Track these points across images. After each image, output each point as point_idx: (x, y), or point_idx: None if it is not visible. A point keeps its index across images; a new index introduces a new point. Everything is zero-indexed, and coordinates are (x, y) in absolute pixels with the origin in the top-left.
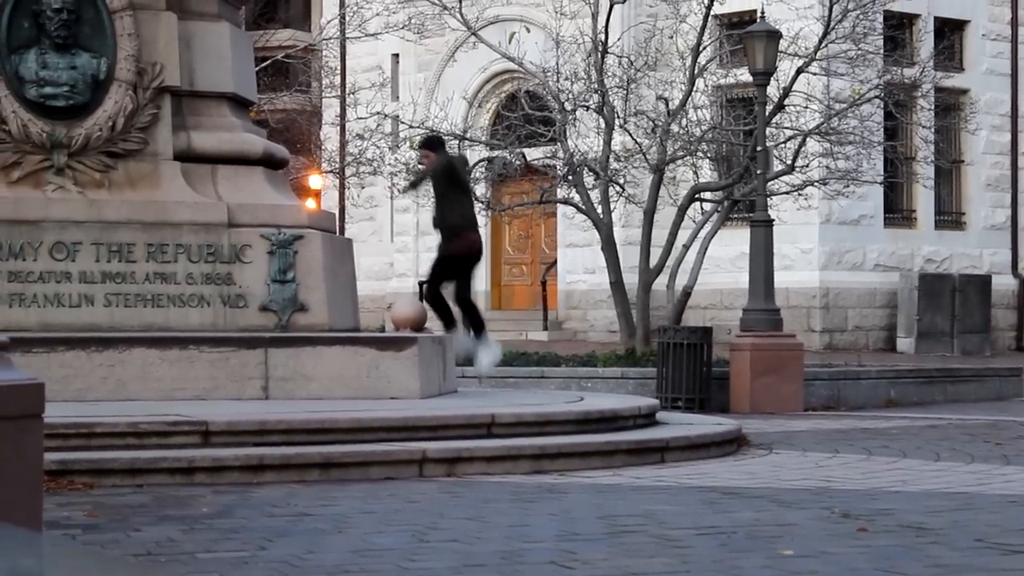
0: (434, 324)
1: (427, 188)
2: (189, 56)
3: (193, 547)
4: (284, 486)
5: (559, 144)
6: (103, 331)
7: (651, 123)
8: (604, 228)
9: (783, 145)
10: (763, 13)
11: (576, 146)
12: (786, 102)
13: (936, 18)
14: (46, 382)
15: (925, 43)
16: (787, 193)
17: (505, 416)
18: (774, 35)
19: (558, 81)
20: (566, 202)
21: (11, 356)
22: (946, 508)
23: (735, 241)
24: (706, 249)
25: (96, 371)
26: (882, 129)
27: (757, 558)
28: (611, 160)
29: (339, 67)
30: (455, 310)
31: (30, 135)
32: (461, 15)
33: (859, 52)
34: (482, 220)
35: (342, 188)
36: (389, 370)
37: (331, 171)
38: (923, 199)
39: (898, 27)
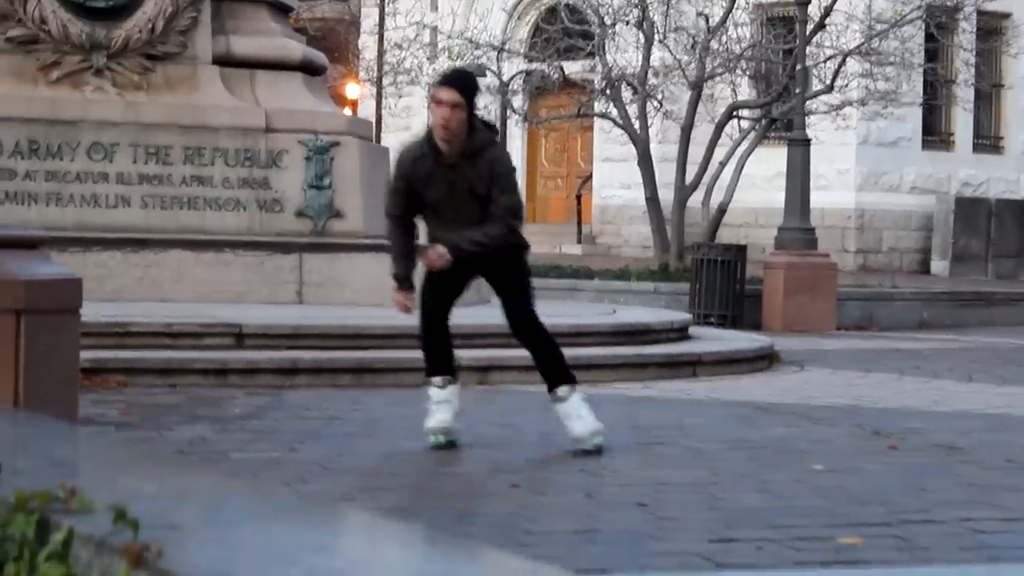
0: None
1: None
2: None
3: (226, 447)
4: (316, 390)
5: (598, 58)
6: (139, 232)
7: (691, 39)
8: (641, 144)
9: (823, 65)
10: None
11: (615, 61)
12: (827, 21)
13: None
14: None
15: None
16: (825, 113)
17: None
18: None
19: None
20: (603, 116)
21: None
22: (977, 429)
23: (772, 160)
24: (742, 167)
25: (131, 271)
26: (923, 51)
27: (787, 472)
28: (649, 76)
29: None
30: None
31: (69, 35)
32: None
33: None
34: (519, 132)
35: (379, 97)
36: (422, 278)
37: (368, 80)
38: (962, 122)
39: None
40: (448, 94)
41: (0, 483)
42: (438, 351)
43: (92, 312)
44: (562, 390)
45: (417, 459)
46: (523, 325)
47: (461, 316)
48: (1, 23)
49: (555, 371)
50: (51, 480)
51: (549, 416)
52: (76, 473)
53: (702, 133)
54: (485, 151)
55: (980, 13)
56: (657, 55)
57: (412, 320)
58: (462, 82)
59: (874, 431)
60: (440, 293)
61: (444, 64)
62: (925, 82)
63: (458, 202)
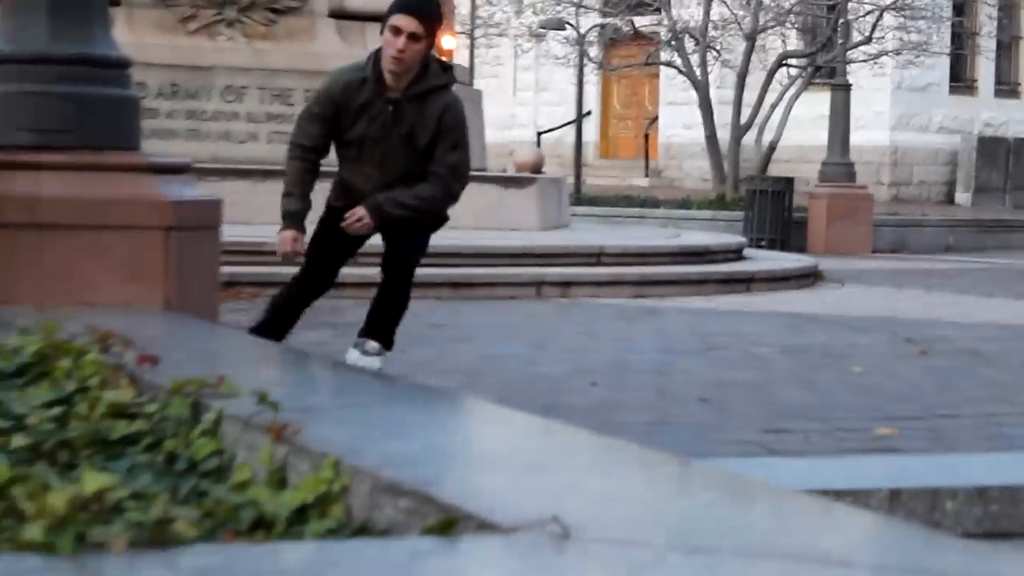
0: (551, 168)
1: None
2: None
3: (344, 348)
4: (420, 301)
5: (664, 13)
6: (266, 164)
7: None
8: (701, 88)
9: (863, 18)
10: None
11: (679, 15)
12: None
13: None
14: None
15: None
16: (864, 61)
17: (612, 247)
18: None
19: None
20: (669, 64)
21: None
22: (998, 337)
23: (816, 103)
24: (790, 109)
25: (260, 199)
26: (951, 6)
27: (831, 373)
28: (709, 29)
29: None
30: None
31: None
32: None
33: None
34: (594, 79)
35: (472, 48)
36: (512, 205)
37: (463, 32)
38: (985, 70)
39: None
40: (409, 23)
41: (158, 372)
42: (287, 319)
43: (228, 233)
44: (371, 345)
45: (507, 361)
46: (398, 266)
47: (543, 238)
48: None
49: (382, 325)
50: (201, 370)
51: (622, 324)
52: (222, 364)
53: (755, 79)
54: (437, 95)
55: None
56: (716, 10)
57: (503, 242)
58: (426, 11)
59: (906, 338)
60: (334, 247)
61: (529, 18)
62: (953, 34)
63: (389, 144)
